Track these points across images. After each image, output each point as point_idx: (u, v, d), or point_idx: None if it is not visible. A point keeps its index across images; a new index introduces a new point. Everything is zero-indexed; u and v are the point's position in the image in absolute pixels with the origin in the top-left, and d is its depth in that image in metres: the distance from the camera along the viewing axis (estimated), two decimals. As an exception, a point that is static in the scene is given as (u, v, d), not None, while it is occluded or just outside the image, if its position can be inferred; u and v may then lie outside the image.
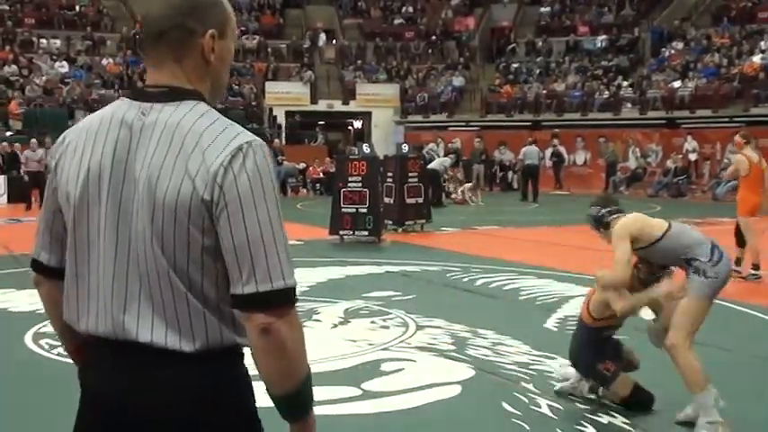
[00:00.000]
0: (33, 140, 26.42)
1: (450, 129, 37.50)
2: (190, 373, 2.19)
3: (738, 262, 11.94)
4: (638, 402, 6.16)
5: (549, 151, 33.45)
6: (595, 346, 6.30)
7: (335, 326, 9.02)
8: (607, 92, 36.78)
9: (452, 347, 8.03)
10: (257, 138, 2.19)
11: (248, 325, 2.12)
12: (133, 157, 2.17)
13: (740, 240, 12.44)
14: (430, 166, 26.18)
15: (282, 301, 2.12)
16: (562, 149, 34.00)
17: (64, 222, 2.32)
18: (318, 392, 6.88)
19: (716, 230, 13.71)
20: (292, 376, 2.17)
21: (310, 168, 32.11)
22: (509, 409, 6.21)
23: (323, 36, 43.82)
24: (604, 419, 5.98)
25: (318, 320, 9.28)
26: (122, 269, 2.19)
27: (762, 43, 34.86)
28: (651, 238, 5.92)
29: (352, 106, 40.76)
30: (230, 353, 2.23)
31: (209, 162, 2.10)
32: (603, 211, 6.24)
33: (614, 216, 6.18)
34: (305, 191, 31.90)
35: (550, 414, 6.13)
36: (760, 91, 32.20)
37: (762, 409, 6.32)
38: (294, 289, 2.14)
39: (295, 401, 2.22)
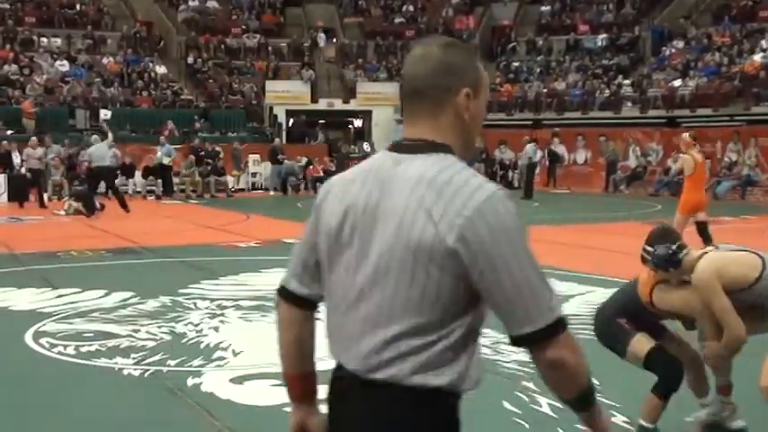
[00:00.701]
0: (33, 138, 26.49)
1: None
2: (416, 407, 2.33)
3: None
4: (660, 363, 5.54)
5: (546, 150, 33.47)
6: (626, 307, 5.69)
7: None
8: (607, 91, 36.77)
9: (453, 346, 8.02)
10: (499, 187, 2.31)
11: (536, 362, 2.34)
12: (381, 203, 2.33)
13: (706, 240, 12.70)
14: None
15: (556, 331, 2.30)
16: (558, 149, 34.02)
17: (317, 257, 2.51)
18: (320, 390, 6.87)
19: (716, 229, 13.71)
20: (578, 384, 2.40)
21: (311, 167, 32.08)
22: (510, 407, 6.22)
23: (323, 35, 43.81)
24: (604, 418, 5.97)
25: (318, 318, 9.26)
26: (366, 304, 2.35)
27: (762, 42, 34.79)
28: (747, 282, 5.25)
29: (353, 105, 40.71)
30: (452, 393, 2.38)
31: (454, 212, 2.23)
32: (674, 247, 5.42)
33: (685, 252, 5.42)
34: (306, 190, 31.81)
35: (551, 413, 6.13)
36: (760, 90, 32.16)
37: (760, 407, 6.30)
38: (563, 317, 2.33)
39: (582, 399, 2.45)
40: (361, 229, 2.36)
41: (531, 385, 6.73)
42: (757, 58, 33.76)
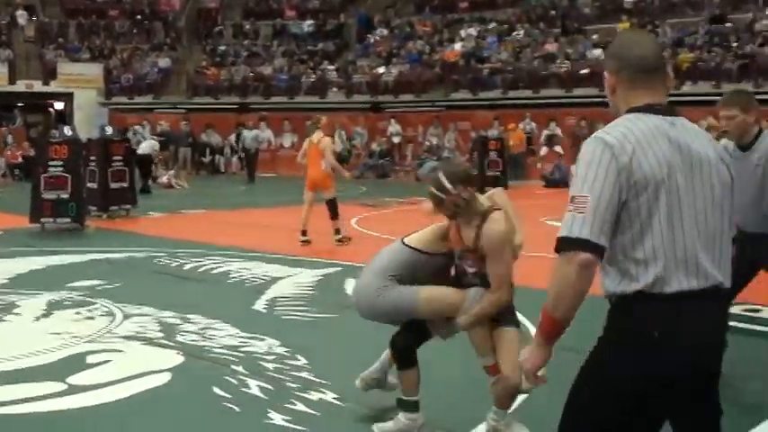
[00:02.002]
0: None
1: (157, 111, 36.78)
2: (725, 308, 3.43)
3: (338, 231, 13.92)
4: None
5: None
6: None
7: (38, 319, 8.66)
8: (314, 76, 37.30)
9: (161, 335, 7.91)
10: None
11: None
12: (687, 149, 3.08)
13: (333, 214, 14.00)
14: (141, 149, 25.67)
15: None
16: (265, 133, 33.90)
17: (619, 212, 3.00)
18: (21, 390, 6.58)
19: (415, 210, 14.23)
20: None
21: (8, 153, 30.52)
22: (219, 392, 6.20)
23: (23, 12, 41.75)
24: (314, 396, 6.08)
25: (19, 314, 8.87)
26: (706, 230, 3.07)
27: (462, 32, 36.51)
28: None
29: (53, 87, 39.12)
30: None
31: (719, 149, 3.25)
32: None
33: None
34: (3, 177, 30.24)
35: (261, 395, 6.16)
36: (459, 77, 33.76)
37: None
38: None
39: None
40: (690, 173, 3.06)
41: (240, 369, 6.75)
42: (457, 47, 35.41)
